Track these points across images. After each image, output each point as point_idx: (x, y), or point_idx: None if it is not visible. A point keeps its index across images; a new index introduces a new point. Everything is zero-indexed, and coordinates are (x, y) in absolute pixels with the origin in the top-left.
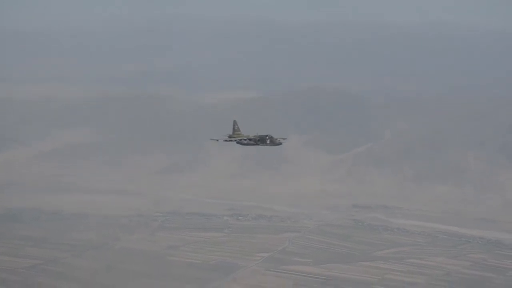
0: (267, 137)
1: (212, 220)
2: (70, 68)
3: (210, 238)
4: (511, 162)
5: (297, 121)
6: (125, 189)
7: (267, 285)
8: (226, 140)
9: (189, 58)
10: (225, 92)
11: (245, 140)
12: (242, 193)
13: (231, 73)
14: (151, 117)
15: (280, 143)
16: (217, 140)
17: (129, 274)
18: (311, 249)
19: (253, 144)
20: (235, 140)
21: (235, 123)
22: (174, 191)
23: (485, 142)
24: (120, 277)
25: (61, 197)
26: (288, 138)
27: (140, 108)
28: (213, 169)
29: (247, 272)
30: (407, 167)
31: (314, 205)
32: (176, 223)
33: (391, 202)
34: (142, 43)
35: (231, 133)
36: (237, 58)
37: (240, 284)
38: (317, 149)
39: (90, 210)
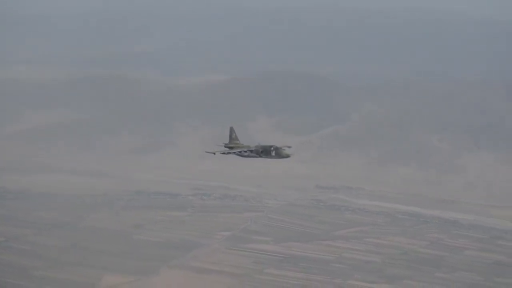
0: (272, 149)
1: (177, 199)
2: (44, 49)
3: (174, 217)
4: (475, 144)
5: (266, 104)
6: (92, 170)
7: (226, 263)
8: (224, 153)
9: (163, 41)
10: (197, 74)
11: (245, 151)
12: (209, 174)
13: (204, 56)
14: (122, 98)
15: (288, 156)
16: (214, 153)
17: (92, 252)
18: (272, 228)
19: (255, 156)
20: (234, 152)
21: (232, 130)
22: (141, 171)
23: (450, 125)
24: (84, 254)
25: (29, 177)
26: (292, 147)
27: (112, 90)
28: (181, 150)
29: (208, 250)
30: (372, 149)
31: (279, 186)
32: (142, 203)
33: (354, 183)
34: (117, 25)
35: (227, 141)
36: (210, 41)
37: (200, 262)
38: (285, 131)
39: (57, 190)
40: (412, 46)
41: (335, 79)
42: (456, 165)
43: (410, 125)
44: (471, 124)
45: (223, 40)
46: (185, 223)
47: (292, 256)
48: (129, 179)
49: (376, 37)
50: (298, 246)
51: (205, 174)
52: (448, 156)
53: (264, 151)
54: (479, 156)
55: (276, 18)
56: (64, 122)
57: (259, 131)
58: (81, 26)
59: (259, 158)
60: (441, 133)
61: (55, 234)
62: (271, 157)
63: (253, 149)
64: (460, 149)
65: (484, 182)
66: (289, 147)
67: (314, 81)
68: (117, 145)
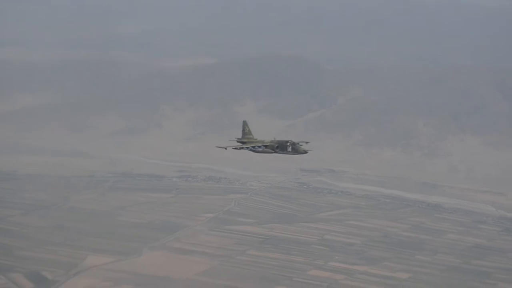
0: (289, 144)
1: (162, 181)
2: (31, 32)
3: (159, 199)
4: (459, 128)
5: (253, 88)
6: (79, 151)
7: (208, 244)
8: (236, 148)
9: (151, 24)
10: (184, 57)
11: (259, 147)
12: (194, 156)
13: (192, 39)
14: (109, 80)
15: (306, 152)
16: (225, 149)
17: (77, 233)
18: (255, 210)
19: (270, 152)
20: (247, 148)
21: (245, 124)
22: (127, 153)
23: (435, 109)
24: (68, 235)
25: (16, 158)
26: (310, 142)
27: (100, 72)
28: (167, 132)
29: (190, 232)
30: (358, 132)
31: (263, 169)
32: (127, 184)
33: (338, 167)
34: (105, 8)
35: (240, 136)
36: (198, 24)
37: (182, 243)
38: (271, 115)
39: (43, 171)
40: (399, 31)
41: (322, 64)
42: (440, 149)
43: (396, 109)
44: (456, 109)
45: (211, 23)
46: (169, 205)
47: (274, 237)
48: (115, 160)
49: (363, 22)
50: (280, 228)
51: (191, 156)
52: (432, 140)
53: (280, 147)
54: (464, 140)
55: (264, 2)
56: (51, 104)
57: (246, 114)
58: (68, 9)
59: (275, 154)
60: (426, 117)
61: (40, 214)
62: (287, 152)
63: (267, 144)
64: (444, 133)
65: (467, 166)
66: (307, 142)
67: (301, 65)
68: (103, 127)
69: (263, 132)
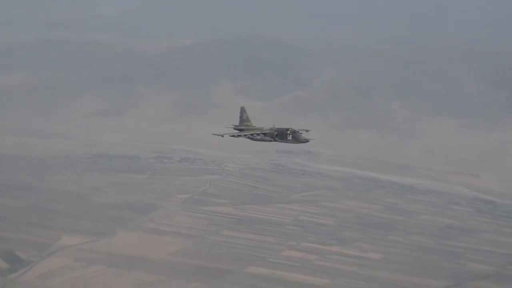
0: (289, 132)
1: (137, 162)
2: (7, 13)
3: (134, 179)
4: (435, 110)
5: (230, 69)
6: (55, 132)
7: (182, 225)
8: (233, 136)
9: (129, 5)
10: (161, 38)
11: (258, 134)
12: (170, 137)
13: (169, 20)
14: (86, 62)
15: (307, 140)
16: (222, 136)
17: (51, 213)
18: (229, 191)
19: (270, 140)
20: (245, 135)
21: (243, 110)
22: (104, 134)
23: (411, 90)
24: (42, 215)
25: None
26: (310, 130)
27: (77, 53)
28: (143, 114)
29: (164, 212)
30: (333, 114)
31: (239, 150)
32: (102, 165)
33: (313, 148)
34: None
35: (237, 123)
36: (175, 5)
37: (156, 224)
38: (247, 96)
39: (19, 152)
40: (375, 13)
41: (298, 45)
42: (416, 130)
43: (372, 91)
44: (433, 91)
45: (188, 4)
46: (144, 186)
47: (247, 218)
48: (91, 141)
49: (339, 4)
50: (254, 208)
51: (167, 137)
52: (408, 122)
53: (280, 135)
54: (439, 122)
55: None
56: (27, 85)
57: (222, 95)
58: None
59: (274, 142)
60: (402, 99)
61: (14, 195)
62: (288, 141)
63: (267, 132)
64: (420, 115)
65: (443, 148)
66: (307, 130)
67: (277, 46)
68: (80, 108)
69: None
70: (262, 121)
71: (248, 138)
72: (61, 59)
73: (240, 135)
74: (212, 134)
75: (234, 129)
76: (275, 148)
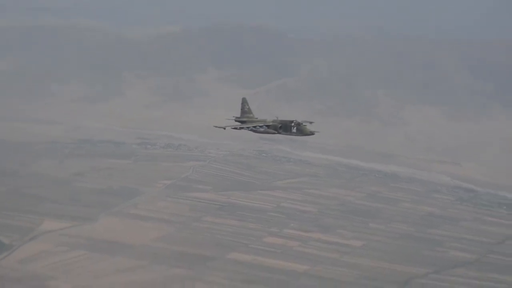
0: (293, 124)
1: (121, 148)
2: None
3: (117, 165)
4: (419, 99)
5: (216, 56)
6: (39, 118)
7: (165, 211)
8: (235, 128)
9: None
10: (148, 25)
11: (261, 127)
12: (154, 123)
13: (156, 6)
14: (72, 47)
15: (312, 133)
16: (224, 128)
17: (33, 198)
18: (213, 177)
19: (273, 133)
20: (248, 128)
21: (244, 102)
22: (88, 120)
23: (395, 79)
24: (25, 200)
25: None
26: (314, 122)
27: (62, 39)
28: (128, 100)
29: (147, 198)
30: (318, 102)
31: (223, 137)
32: (86, 151)
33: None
34: None
35: (238, 115)
36: None
37: (139, 209)
38: (233, 83)
39: (3, 137)
40: (362, 2)
41: (285, 33)
42: (399, 119)
43: (356, 80)
44: (416, 80)
45: None
46: (127, 172)
47: (230, 204)
48: (76, 127)
49: None
50: (237, 195)
51: (152, 123)
52: (391, 111)
53: (284, 127)
54: (423, 110)
55: None
56: (13, 71)
57: (207, 82)
58: None
59: (278, 135)
60: (386, 88)
61: None
62: (292, 134)
63: (270, 124)
64: (404, 104)
65: (426, 137)
66: (311, 122)
67: (264, 34)
68: (65, 94)
69: (226, 100)
70: (256, 110)
71: (251, 130)
72: (47, 45)
73: (242, 128)
74: (214, 126)
75: (236, 121)
76: (259, 135)
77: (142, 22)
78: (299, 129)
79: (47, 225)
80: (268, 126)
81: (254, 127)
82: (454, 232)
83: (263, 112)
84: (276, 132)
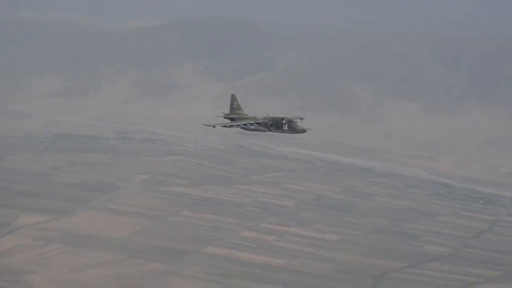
0: (284, 121)
1: (99, 142)
2: None
3: (95, 159)
4: (396, 94)
5: (194, 50)
6: (17, 111)
7: (142, 205)
8: (225, 126)
9: None
10: (126, 18)
11: (251, 124)
12: (132, 118)
13: (134, 1)
14: (49, 41)
15: (305, 131)
16: (214, 127)
17: (10, 192)
18: (191, 172)
19: (264, 130)
20: (238, 125)
21: (233, 98)
22: (66, 114)
23: (373, 74)
24: (2, 195)
25: None
26: (304, 118)
27: (40, 32)
28: (106, 94)
29: (125, 193)
30: (296, 96)
31: (200, 131)
32: (64, 145)
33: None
34: None
35: (227, 112)
36: None
37: (116, 204)
38: (211, 77)
39: None
40: None
41: (263, 27)
42: (377, 114)
43: (334, 74)
44: (394, 74)
45: None
46: (104, 166)
47: (207, 199)
48: (53, 121)
49: None
50: (214, 189)
51: (128, 117)
52: (369, 105)
53: (275, 124)
54: (400, 105)
55: None
56: None
57: (185, 76)
58: None
59: (269, 132)
60: (364, 83)
61: None
62: (283, 131)
63: (260, 121)
64: (381, 99)
65: (403, 132)
66: (301, 118)
67: (242, 28)
68: (42, 88)
69: (204, 94)
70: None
71: (242, 128)
72: (24, 38)
73: (232, 125)
74: (203, 124)
75: (225, 117)
76: (236, 130)
77: (120, 16)
78: (290, 127)
79: (24, 219)
80: (258, 124)
81: (245, 124)
82: (430, 227)
83: (243, 107)
84: (267, 129)
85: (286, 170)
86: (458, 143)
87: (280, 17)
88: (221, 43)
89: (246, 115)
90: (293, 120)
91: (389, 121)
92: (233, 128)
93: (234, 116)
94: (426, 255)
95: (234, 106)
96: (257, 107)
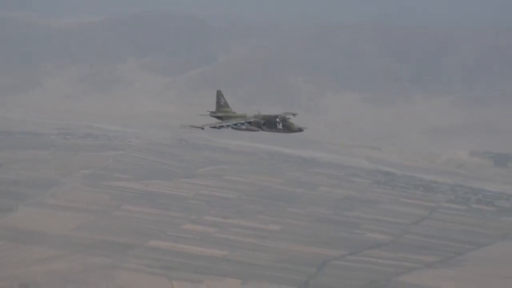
0: (278, 120)
1: (40, 139)
2: None
3: (36, 156)
4: (339, 85)
5: (137, 45)
6: None
7: (84, 200)
8: (215, 127)
9: None
10: (70, 15)
11: (242, 124)
12: (73, 113)
13: None
14: None
15: (301, 130)
16: (202, 129)
17: None
18: (133, 166)
19: (256, 130)
20: (228, 126)
21: (219, 94)
22: (7, 111)
23: (316, 66)
24: None
25: None
26: (297, 114)
27: None
28: (47, 90)
29: (66, 188)
30: (238, 89)
31: (143, 125)
32: (5, 142)
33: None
34: None
35: (213, 109)
36: None
37: (58, 199)
38: (153, 71)
39: None
40: None
41: (204, 21)
42: (320, 105)
43: (276, 66)
44: (336, 66)
45: None
46: (46, 162)
47: (150, 193)
48: None
49: None
50: (157, 183)
51: (69, 113)
52: (312, 97)
53: (267, 123)
54: (343, 96)
55: None
56: None
57: (127, 71)
58: None
59: (262, 132)
60: (306, 74)
61: None
62: (278, 130)
63: (251, 120)
64: (324, 90)
65: (346, 122)
66: (294, 114)
67: (185, 22)
68: None
69: (146, 88)
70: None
71: (232, 128)
72: None
73: (222, 126)
74: (191, 126)
75: (211, 116)
76: (179, 124)
77: (62, 12)
78: (285, 125)
79: None
80: (250, 123)
81: (235, 124)
82: (371, 214)
83: (186, 101)
84: (259, 129)
85: (229, 162)
86: (400, 132)
87: (223, 11)
88: (163, 37)
89: (235, 112)
90: (287, 117)
91: (333, 112)
92: (176, 122)
93: (221, 114)
94: (367, 242)
95: (220, 103)
96: (199, 101)
